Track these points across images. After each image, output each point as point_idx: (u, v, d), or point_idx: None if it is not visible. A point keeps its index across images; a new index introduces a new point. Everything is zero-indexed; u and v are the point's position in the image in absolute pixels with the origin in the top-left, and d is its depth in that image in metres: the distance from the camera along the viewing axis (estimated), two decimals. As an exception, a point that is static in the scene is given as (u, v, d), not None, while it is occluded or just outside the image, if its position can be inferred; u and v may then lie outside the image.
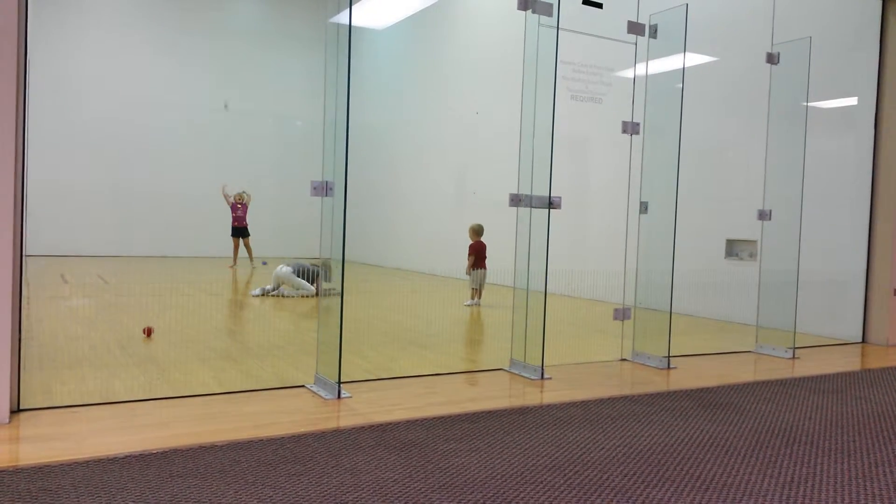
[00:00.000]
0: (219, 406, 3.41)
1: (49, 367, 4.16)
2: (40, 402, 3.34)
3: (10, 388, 3.08)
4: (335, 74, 3.71)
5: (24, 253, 3.25)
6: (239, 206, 12.46)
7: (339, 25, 3.71)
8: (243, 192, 12.58)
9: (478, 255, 8.07)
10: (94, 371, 4.11)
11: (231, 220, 12.50)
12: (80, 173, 13.63)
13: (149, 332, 5.19)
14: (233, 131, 14.92)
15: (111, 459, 2.62)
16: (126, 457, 2.65)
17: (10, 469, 2.50)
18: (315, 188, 3.66)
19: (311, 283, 8.26)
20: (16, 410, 3.18)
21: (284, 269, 8.23)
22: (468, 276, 8.08)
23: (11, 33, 2.99)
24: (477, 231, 8.25)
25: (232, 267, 12.20)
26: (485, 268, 8.05)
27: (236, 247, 12.44)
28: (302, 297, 8.22)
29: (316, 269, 8.34)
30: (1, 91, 2.98)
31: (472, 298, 8.02)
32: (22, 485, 2.36)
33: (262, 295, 8.17)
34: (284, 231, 13.72)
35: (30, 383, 3.64)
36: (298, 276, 8.24)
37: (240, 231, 12.45)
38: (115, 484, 2.39)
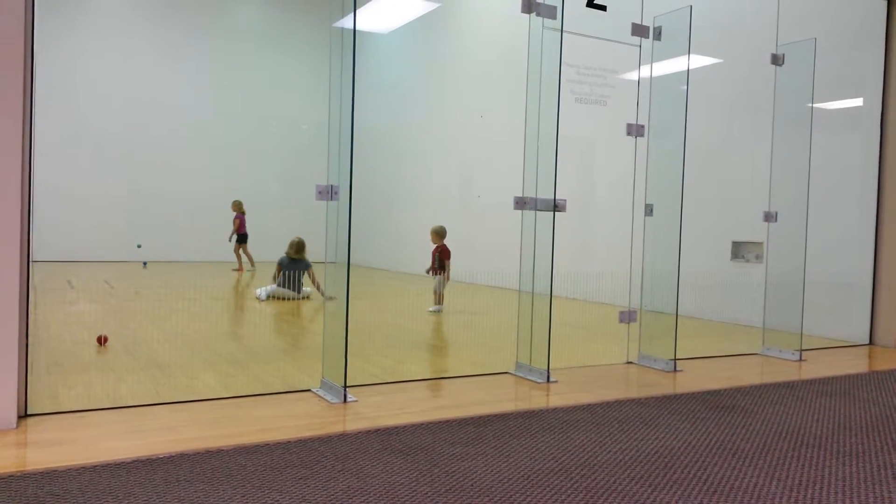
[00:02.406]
0: (225, 410, 3.41)
1: (56, 371, 4.17)
2: (47, 407, 3.35)
3: (18, 392, 3.09)
4: (340, 78, 3.71)
5: (31, 258, 3.26)
6: (238, 216, 12.66)
7: (343, 30, 3.72)
8: (239, 201, 12.76)
9: (445, 258, 7.55)
10: (101, 376, 4.12)
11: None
12: (85, 178, 13.67)
13: (103, 340, 5.04)
14: (238, 135, 14.96)
15: (118, 464, 2.62)
16: (133, 461, 2.65)
17: (18, 474, 2.51)
18: (320, 192, 3.67)
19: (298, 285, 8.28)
20: (23, 415, 3.19)
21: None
22: (434, 278, 7.53)
23: (18, 37, 3.00)
24: (440, 233, 7.70)
25: (236, 270, 12.34)
26: (444, 273, 7.57)
27: (238, 252, 12.66)
28: (304, 298, 8.25)
29: (304, 264, 8.39)
30: (7, 95, 2.99)
31: (436, 304, 7.53)
32: (29, 489, 2.36)
33: (268, 298, 8.17)
34: (290, 235, 13.73)
35: (37, 388, 3.64)
36: (284, 281, 8.26)
37: (240, 237, 12.68)
38: (122, 489, 2.39)
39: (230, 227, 12.72)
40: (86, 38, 13.90)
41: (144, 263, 12.00)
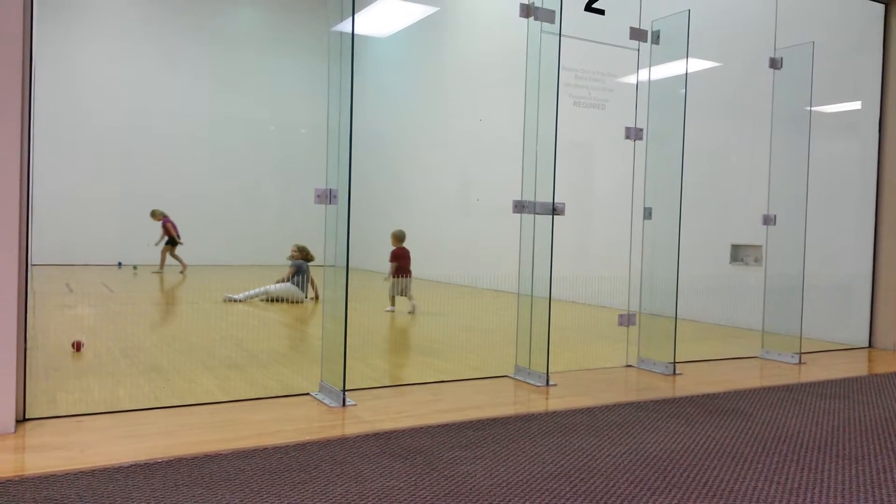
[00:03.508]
0: (224, 414, 3.41)
1: (54, 376, 4.16)
2: (45, 412, 3.35)
3: (16, 397, 3.08)
4: (338, 82, 3.71)
5: (29, 262, 3.25)
6: (167, 221, 12.63)
7: (342, 34, 3.72)
8: (159, 210, 12.70)
9: (400, 261, 7.90)
10: (99, 380, 4.11)
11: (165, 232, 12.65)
12: (84, 181, 13.68)
13: (78, 346, 4.95)
14: (237, 139, 14.97)
15: (116, 468, 2.61)
16: (131, 466, 2.65)
17: (16, 478, 2.50)
18: (319, 196, 3.67)
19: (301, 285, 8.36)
20: (21, 420, 3.18)
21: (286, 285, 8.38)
22: (388, 283, 7.86)
23: (16, 40, 3.00)
24: (399, 237, 8.10)
25: (157, 273, 12.31)
26: (410, 275, 7.87)
27: (164, 254, 12.60)
28: (299, 302, 8.28)
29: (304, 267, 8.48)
30: (6, 99, 2.99)
31: (392, 305, 7.82)
32: (27, 494, 2.36)
33: (245, 300, 8.21)
34: (288, 238, 13.74)
35: (35, 392, 3.64)
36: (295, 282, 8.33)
37: (171, 240, 12.65)
38: (120, 493, 2.38)
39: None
40: (84, 43, 13.91)
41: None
